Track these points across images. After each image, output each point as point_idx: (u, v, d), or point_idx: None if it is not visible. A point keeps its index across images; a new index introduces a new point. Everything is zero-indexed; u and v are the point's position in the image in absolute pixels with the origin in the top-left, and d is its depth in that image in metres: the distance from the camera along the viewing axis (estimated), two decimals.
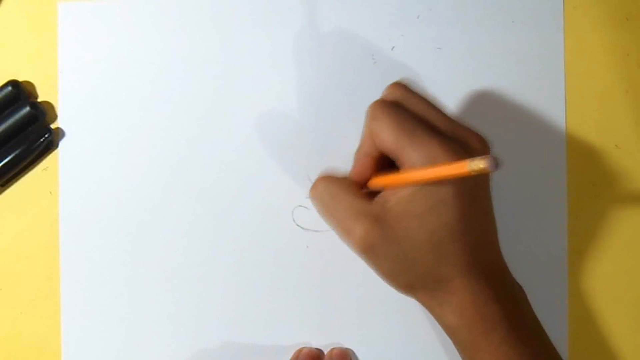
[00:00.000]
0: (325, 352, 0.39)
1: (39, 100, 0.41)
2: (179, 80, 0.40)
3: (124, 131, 0.40)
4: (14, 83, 0.40)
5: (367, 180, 0.33)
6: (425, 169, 0.29)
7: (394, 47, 0.40)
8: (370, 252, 0.31)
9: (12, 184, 0.40)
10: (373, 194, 0.32)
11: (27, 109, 0.39)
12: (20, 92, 0.40)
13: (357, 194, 0.32)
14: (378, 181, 0.32)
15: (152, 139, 0.40)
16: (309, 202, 0.40)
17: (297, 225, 0.40)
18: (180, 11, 0.41)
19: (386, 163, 0.32)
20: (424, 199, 0.29)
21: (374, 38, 0.40)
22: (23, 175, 0.40)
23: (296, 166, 0.40)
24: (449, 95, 0.40)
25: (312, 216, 0.39)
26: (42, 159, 0.40)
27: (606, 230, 0.39)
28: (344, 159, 0.40)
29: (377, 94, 0.40)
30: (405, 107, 0.31)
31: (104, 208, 0.40)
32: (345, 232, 0.31)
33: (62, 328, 0.40)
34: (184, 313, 0.40)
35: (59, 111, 0.40)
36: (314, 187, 0.33)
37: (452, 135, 0.30)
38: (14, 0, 0.41)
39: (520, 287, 0.33)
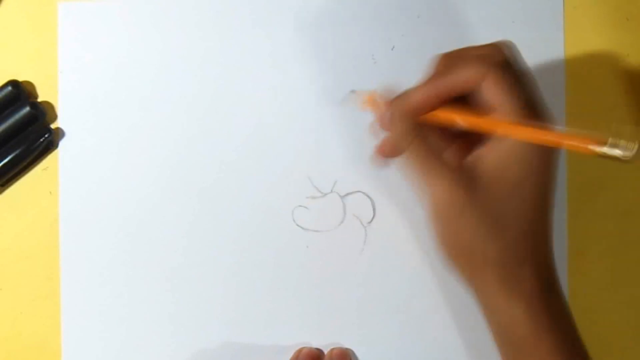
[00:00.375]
0: (325, 352, 0.39)
1: (39, 100, 0.41)
2: (179, 80, 0.40)
3: (124, 131, 0.40)
4: (14, 83, 0.40)
5: (431, 109, 0.30)
6: (544, 131, 0.27)
7: (394, 47, 0.40)
8: (455, 214, 0.29)
9: (12, 184, 0.40)
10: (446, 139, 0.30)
11: (27, 109, 0.39)
12: (20, 92, 0.40)
13: (447, 147, 0.30)
14: (461, 118, 0.29)
15: (152, 139, 0.40)
16: (309, 202, 0.40)
17: (297, 225, 0.40)
18: (180, 11, 0.41)
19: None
20: (521, 165, 0.28)
21: (374, 38, 0.40)
22: (23, 175, 0.40)
23: (296, 166, 0.40)
24: None
25: (312, 216, 0.39)
26: (42, 159, 0.40)
27: (606, 230, 0.39)
28: (344, 159, 0.40)
29: None
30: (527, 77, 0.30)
31: (104, 208, 0.40)
32: (431, 188, 0.29)
33: (62, 328, 0.40)
34: (184, 313, 0.40)
35: (59, 111, 0.40)
36: (409, 130, 0.30)
37: (543, 115, 0.29)
38: (14, 0, 0.41)
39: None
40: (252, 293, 0.39)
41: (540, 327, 0.29)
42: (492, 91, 0.29)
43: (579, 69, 0.40)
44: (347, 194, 0.40)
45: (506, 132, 0.28)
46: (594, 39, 0.40)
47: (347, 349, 0.39)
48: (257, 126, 0.40)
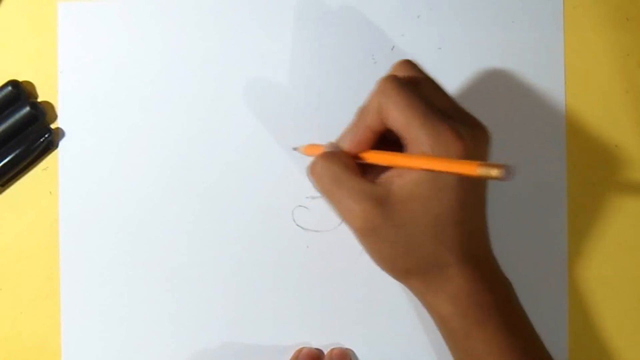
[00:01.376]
0: (325, 352, 0.39)
1: (39, 100, 0.41)
2: (179, 80, 0.40)
3: (124, 131, 0.40)
4: (14, 83, 0.40)
5: (362, 151, 0.32)
6: (434, 159, 0.29)
7: (394, 47, 0.40)
8: (372, 234, 0.30)
9: (12, 184, 0.40)
10: (370, 172, 0.32)
11: (27, 109, 0.39)
12: (20, 92, 0.40)
13: (359, 174, 0.31)
14: (378, 157, 0.32)
15: (152, 139, 0.40)
16: (309, 202, 0.40)
17: (297, 225, 0.40)
18: (180, 11, 0.41)
19: (382, 138, 0.32)
20: (430, 184, 0.29)
21: (374, 38, 0.40)
22: (23, 175, 0.40)
23: (296, 166, 0.40)
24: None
25: (312, 216, 0.39)
26: (42, 159, 0.40)
27: (606, 230, 0.39)
28: None
29: None
30: (417, 87, 0.31)
31: (104, 208, 0.40)
32: (347, 213, 0.31)
33: (62, 328, 0.40)
34: (184, 313, 0.40)
35: (59, 111, 0.40)
36: (314, 166, 0.32)
37: (461, 121, 0.30)
38: (14, 0, 0.41)
39: (509, 282, 0.33)
40: (252, 293, 0.39)
41: (469, 322, 0.30)
42: (392, 123, 0.30)
43: (579, 69, 0.40)
44: None
45: (397, 164, 0.30)
46: (594, 39, 0.40)
47: (347, 349, 0.39)
48: (257, 126, 0.40)
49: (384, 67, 0.40)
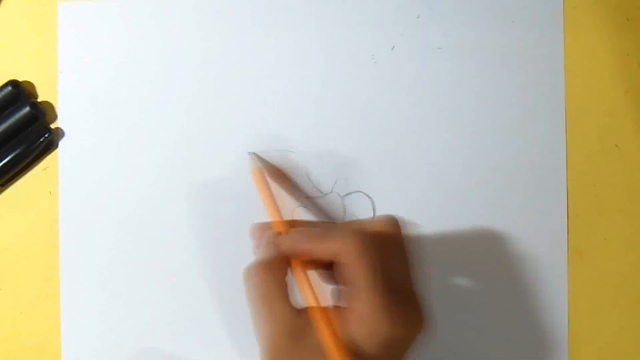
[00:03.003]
0: None
1: (39, 100, 0.41)
2: (179, 80, 0.40)
3: (124, 131, 0.40)
4: (14, 83, 0.40)
5: (294, 259, 0.32)
6: (330, 337, 0.29)
7: (394, 47, 0.40)
8: (278, 354, 0.30)
9: (12, 184, 0.40)
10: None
11: (27, 109, 0.39)
12: (20, 92, 0.40)
13: (287, 300, 0.31)
14: (300, 278, 0.32)
15: (152, 139, 0.40)
16: (309, 202, 0.40)
17: None
18: (180, 11, 0.41)
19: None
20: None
21: (374, 38, 0.40)
22: (23, 175, 0.40)
23: (296, 166, 0.40)
24: (449, 95, 0.40)
25: (312, 216, 0.39)
26: (42, 159, 0.40)
27: (606, 230, 0.39)
28: (343, 159, 0.40)
29: (377, 94, 0.40)
30: (382, 251, 0.31)
31: (104, 208, 0.40)
32: (261, 329, 0.31)
33: (62, 328, 0.40)
34: (184, 313, 0.40)
35: (59, 111, 0.40)
36: (252, 272, 0.32)
37: (405, 303, 0.31)
38: (14, 0, 0.41)
39: None
40: None
41: None
42: (340, 275, 0.30)
43: (579, 69, 0.40)
44: (347, 194, 0.40)
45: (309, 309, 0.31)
46: (594, 39, 0.40)
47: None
48: (256, 126, 0.40)
49: (384, 67, 0.40)
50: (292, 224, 0.34)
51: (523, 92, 0.40)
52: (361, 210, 0.40)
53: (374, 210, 0.40)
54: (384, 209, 0.40)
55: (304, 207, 0.40)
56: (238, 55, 0.40)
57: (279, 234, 0.33)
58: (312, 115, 0.40)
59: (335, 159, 0.40)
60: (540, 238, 0.39)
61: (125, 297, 0.40)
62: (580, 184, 0.40)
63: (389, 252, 0.32)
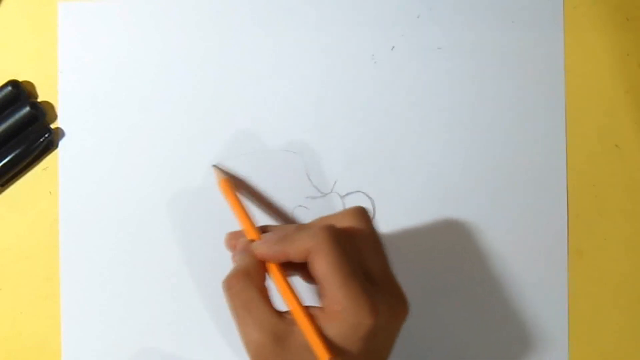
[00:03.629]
0: None
1: (39, 100, 0.41)
2: (179, 80, 0.40)
3: (124, 131, 0.40)
4: (14, 83, 0.40)
5: (270, 263, 0.32)
6: (308, 328, 0.29)
7: (394, 47, 0.40)
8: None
9: (12, 184, 0.40)
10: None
11: (27, 109, 0.39)
12: (20, 92, 0.40)
13: (268, 305, 0.31)
14: (279, 281, 0.32)
15: (152, 139, 0.40)
16: (309, 202, 0.40)
17: None
18: (180, 11, 0.41)
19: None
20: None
21: (374, 38, 0.40)
22: (23, 175, 0.40)
23: (296, 166, 0.40)
24: (449, 95, 0.40)
25: (312, 216, 0.39)
26: (42, 159, 0.40)
27: (606, 230, 0.39)
28: (343, 159, 0.40)
29: (377, 94, 0.40)
30: (352, 243, 0.31)
31: (104, 208, 0.40)
32: (245, 337, 0.31)
33: (62, 328, 0.40)
34: (184, 313, 0.40)
35: (59, 111, 0.40)
36: (231, 281, 0.32)
37: (383, 291, 0.31)
38: (14, 0, 0.41)
39: None
40: None
41: None
42: (315, 272, 0.30)
43: (579, 69, 0.40)
44: (347, 194, 0.40)
45: (289, 308, 0.31)
46: (594, 39, 0.40)
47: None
48: (256, 126, 0.40)
49: (384, 67, 0.40)
50: (264, 229, 0.34)
51: (523, 92, 0.40)
52: None
53: (374, 210, 0.40)
54: (384, 209, 0.40)
55: (304, 207, 0.40)
56: (238, 55, 0.40)
57: (252, 240, 0.33)
58: (312, 115, 0.40)
59: (335, 159, 0.40)
60: (540, 238, 0.39)
61: (125, 297, 0.40)
62: (580, 184, 0.40)
63: (361, 243, 0.32)
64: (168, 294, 0.40)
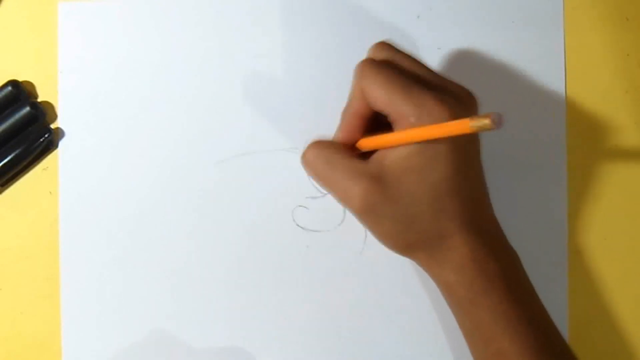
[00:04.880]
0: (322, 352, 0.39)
1: (39, 100, 0.41)
2: (179, 80, 0.40)
3: (124, 131, 0.40)
4: (14, 83, 0.40)
5: (356, 140, 0.32)
6: (424, 127, 0.28)
7: None
8: (371, 212, 0.30)
9: (12, 184, 0.40)
10: (365, 155, 0.32)
11: (27, 109, 0.39)
12: (20, 92, 0.40)
13: (351, 155, 0.31)
14: (370, 142, 0.32)
15: (152, 139, 0.40)
16: (309, 202, 0.40)
17: (297, 225, 0.40)
18: (180, 11, 0.41)
19: (374, 124, 0.32)
20: (422, 154, 0.29)
21: (374, 38, 0.40)
22: (23, 175, 0.40)
23: (296, 166, 0.40)
24: None
25: (312, 216, 0.39)
26: (42, 159, 0.40)
27: (606, 230, 0.39)
28: None
29: None
30: (395, 65, 0.31)
31: (104, 208, 0.40)
32: (344, 195, 0.31)
33: (62, 328, 0.40)
34: (184, 313, 0.40)
35: (59, 111, 0.40)
36: (305, 155, 0.32)
37: (443, 89, 0.31)
38: (14, 0, 0.41)
39: (515, 251, 0.33)
40: (252, 293, 0.39)
41: (475, 290, 0.30)
42: (376, 104, 0.30)
43: (579, 69, 0.40)
44: None
45: (388, 144, 0.30)
46: (594, 39, 0.40)
47: None
48: (256, 126, 0.40)
49: None
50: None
51: (523, 92, 0.40)
52: None
53: None
54: None
55: (304, 207, 0.40)
56: (238, 55, 0.40)
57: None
58: (312, 115, 0.40)
59: None
60: (540, 238, 0.39)
61: (125, 297, 0.40)
62: (580, 184, 0.40)
63: (400, 61, 0.32)
64: (168, 293, 0.40)
